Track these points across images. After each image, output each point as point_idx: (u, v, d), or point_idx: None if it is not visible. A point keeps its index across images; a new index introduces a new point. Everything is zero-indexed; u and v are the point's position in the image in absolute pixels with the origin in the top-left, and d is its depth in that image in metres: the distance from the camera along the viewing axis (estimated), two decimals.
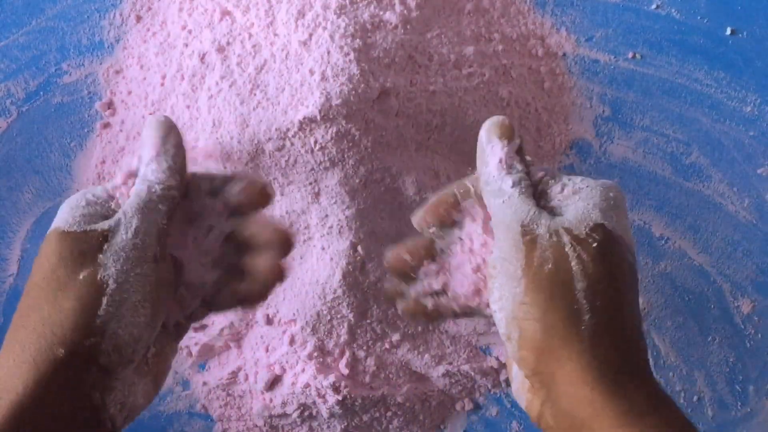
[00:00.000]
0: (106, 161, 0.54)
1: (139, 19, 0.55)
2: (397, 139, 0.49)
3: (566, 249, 0.31)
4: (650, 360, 0.53)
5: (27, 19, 0.55)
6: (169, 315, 0.36)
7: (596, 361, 0.30)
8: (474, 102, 0.51)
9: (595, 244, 0.31)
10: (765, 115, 0.54)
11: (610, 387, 0.30)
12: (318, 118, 0.45)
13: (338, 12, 0.47)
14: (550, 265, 0.31)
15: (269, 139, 0.47)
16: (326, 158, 0.46)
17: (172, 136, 0.36)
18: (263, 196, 0.38)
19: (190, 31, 0.52)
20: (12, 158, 0.54)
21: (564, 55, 0.55)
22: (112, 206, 0.35)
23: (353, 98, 0.45)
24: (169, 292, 0.35)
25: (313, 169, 0.47)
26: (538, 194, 0.35)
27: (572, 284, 0.31)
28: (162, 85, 0.52)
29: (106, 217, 0.34)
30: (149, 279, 0.33)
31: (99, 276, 0.32)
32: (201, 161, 0.46)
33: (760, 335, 0.54)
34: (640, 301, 0.54)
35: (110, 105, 0.55)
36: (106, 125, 0.55)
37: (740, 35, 0.54)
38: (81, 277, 0.32)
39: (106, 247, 0.33)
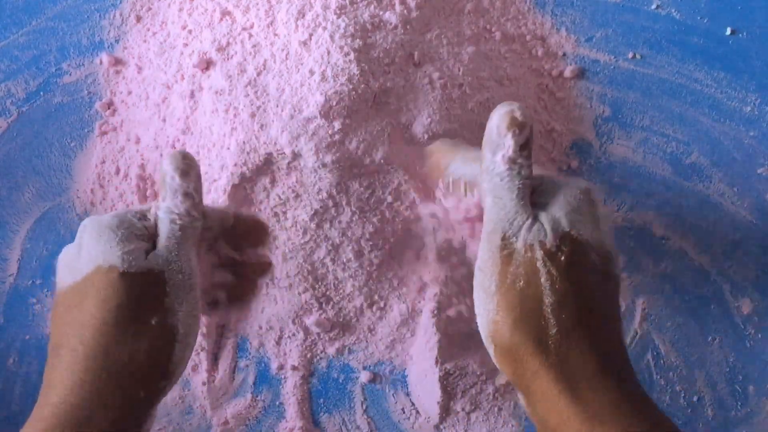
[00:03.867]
0: (106, 161, 0.54)
1: (139, 19, 0.55)
2: (399, 138, 0.49)
3: (538, 264, 0.32)
4: (649, 359, 0.53)
5: (27, 19, 0.55)
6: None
7: (562, 374, 0.31)
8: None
9: (563, 257, 0.32)
10: (765, 115, 0.54)
11: (574, 396, 0.31)
12: (318, 118, 0.45)
13: (338, 12, 0.47)
14: (521, 283, 0.32)
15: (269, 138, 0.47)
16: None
17: (194, 172, 0.37)
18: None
19: (190, 31, 0.52)
20: (12, 158, 0.54)
21: (564, 55, 0.55)
22: (143, 225, 0.37)
23: (353, 98, 0.45)
24: None
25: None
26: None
27: (542, 300, 0.32)
28: (162, 84, 0.52)
29: (142, 241, 0.36)
30: (198, 318, 0.35)
31: (169, 321, 0.33)
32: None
33: (760, 335, 0.54)
34: (640, 301, 0.54)
35: (110, 105, 0.55)
36: (106, 125, 0.55)
37: (740, 35, 0.54)
38: (153, 322, 0.33)
39: (168, 289, 0.34)
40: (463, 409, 0.54)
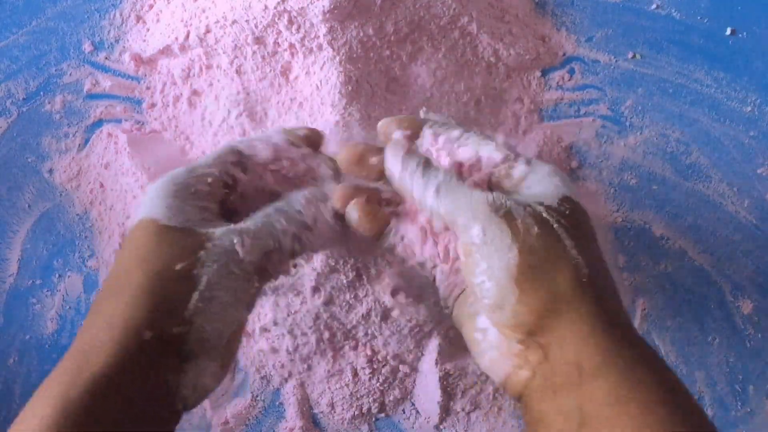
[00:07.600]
0: (107, 161, 0.54)
1: (139, 19, 0.55)
2: None
3: (544, 215, 0.33)
4: None
5: (27, 19, 0.55)
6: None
7: (600, 309, 0.31)
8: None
9: (568, 212, 0.33)
10: (765, 115, 0.54)
11: (617, 334, 0.31)
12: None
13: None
14: (536, 229, 0.32)
15: None
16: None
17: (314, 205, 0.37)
18: None
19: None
20: (12, 158, 0.54)
21: (564, 55, 0.55)
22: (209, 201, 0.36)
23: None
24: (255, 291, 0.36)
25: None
26: (492, 185, 0.36)
27: (563, 243, 0.32)
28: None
29: (204, 209, 0.35)
30: (244, 287, 0.34)
31: (194, 271, 0.33)
32: None
33: (760, 335, 0.54)
34: (640, 301, 0.54)
35: (110, 105, 0.55)
36: (108, 125, 0.55)
37: (740, 35, 0.54)
38: (177, 268, 0.33)
39: (210, 246, 0.33)
40: (463, 409, 0.54)
